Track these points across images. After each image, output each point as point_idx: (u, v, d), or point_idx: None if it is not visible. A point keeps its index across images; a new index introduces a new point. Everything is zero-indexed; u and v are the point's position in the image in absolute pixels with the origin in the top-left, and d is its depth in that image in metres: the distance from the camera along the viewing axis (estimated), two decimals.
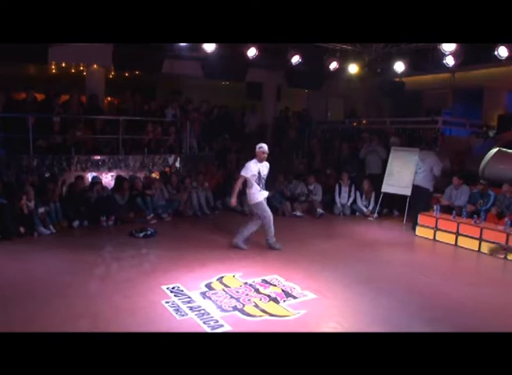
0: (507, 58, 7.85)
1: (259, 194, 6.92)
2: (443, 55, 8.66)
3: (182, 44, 8.85)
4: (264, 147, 6.89)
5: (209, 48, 8.84)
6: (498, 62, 8.36)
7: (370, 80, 11.86)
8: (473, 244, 7.41)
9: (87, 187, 8.61)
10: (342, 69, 10.71)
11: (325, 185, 10.46)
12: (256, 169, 6.88)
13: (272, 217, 6.94)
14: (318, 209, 9.63)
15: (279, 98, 14.35)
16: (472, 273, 6.47)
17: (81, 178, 8.48)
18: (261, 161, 6.92)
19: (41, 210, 7.43)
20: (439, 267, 6.60)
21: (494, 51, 7.78)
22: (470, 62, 9.33)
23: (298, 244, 7.37)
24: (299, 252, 6.88)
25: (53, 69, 11.48)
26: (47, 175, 8.69)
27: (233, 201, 7.03)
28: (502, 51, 7.72)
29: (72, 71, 11.64)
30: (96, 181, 8.77)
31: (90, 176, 9.19)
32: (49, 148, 9.11)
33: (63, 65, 11.15)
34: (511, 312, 4.89)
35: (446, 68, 9.46)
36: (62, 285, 5.14)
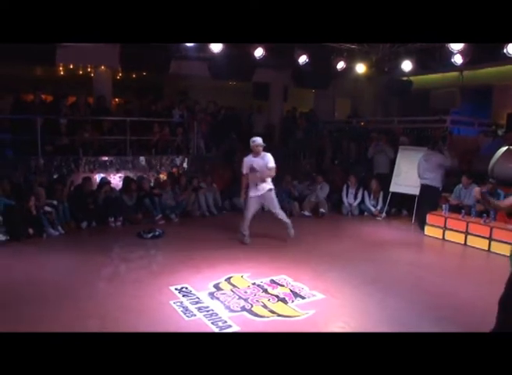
0: None
1: (252, 191, 7.09)
2: (451, 54, 8.62)
3: (189, 44, 8.87)
4: (257, 140, 7.01)
5: (216, 48, 8.85)
6: (507, 59, 8.29)
7: (377, 79, 11.81)
8: (483, 244, 7.36)
9: (96, 188, 8.65)
10: (349, 69, 10.68)
11: (333, 185, 10.43)
12: (249, 163, 7.03)
13: (247, 219, 7.14)
14: (321, 209, 9.66)
15: (286, 98, 14.32)
16: (482, 273, 6.41)
17: (88, 179, 8.50)
18: (255, 155, 7.02)
19: (47, 209, 7.45)
20: (448, 267, 6.56)
21: (503, 49, 7.72)
22: (478, 61, 9.27)
23: (306, 244, 7.36)
24: (307, 252, 6.86)
25: (60, 70, 11.56)
26: (55, 176, 8.73)
27: (242, 197, 7.37)
28: (511, 49, 7.66)
29: (80, 72, 11.71)
30: (104, 182, 8.81)
31: (98, 177, 9.23)
32: (57, 149, 9.16)
33: (71, 66, 11.22)
34: None
35: (454, 67, 9.40)
36: (71, 286, 5.16)
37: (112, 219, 8.25)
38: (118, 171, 9.64)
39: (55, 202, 7.61)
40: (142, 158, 10.01)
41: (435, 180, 8.67)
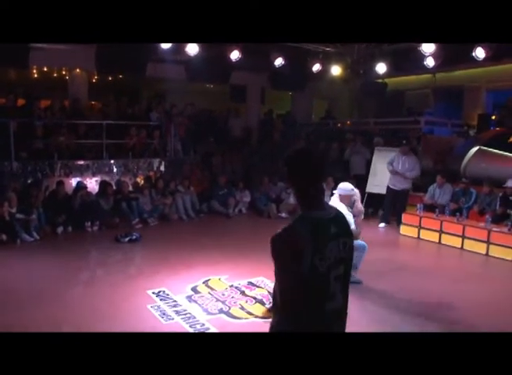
0: (484, 58, 8.00)
1: None
2: (423, 57, 8.79)
3: (165, 47, 8.82)
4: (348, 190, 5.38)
5: (192, 50, 8.82)
6: (476, 62, 8.51)
7: (353, 81, 11.95)
8: (456, 242, 7.53)
9: (72, 192, 8.52)
10: (325, 71, 10.79)
11: None
12: None
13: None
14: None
15: (264, 100, 14.37)
16: (456, 270, 6.56)
17: (62, 183, 8.33)
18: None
19: (20, 216, 7.31)
20: (424, 265, 6.68)
21: (472, 52, 7.93)
22: (449, 63, 9.48)
23: None
24: None
25: (34, 73, 11.38)
26: (29, 181, 8.58)
27: None
28: (479, 52, 7.88)
29: (55, 75, 11.55)
30: (80, 187, 8.69)
31: (74, 181, 9.09)
32: (32, 153, 9.00)
33: (45, 69, 11.05)
34: (493, 308, 4.98)
35: (426, 69, 9.59)
36: (45, 292, 5.09)
37: (89, 223, 8.14)
38: (94, 175, 9.52)
39: (26, 217, 7.44)
40: (119, 162, 9.89)
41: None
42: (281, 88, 13.45)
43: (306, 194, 1.89)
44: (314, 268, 1.75)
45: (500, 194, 7.97)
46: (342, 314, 1.97)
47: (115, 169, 9.79)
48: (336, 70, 10.80)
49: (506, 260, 6.81)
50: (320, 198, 1.89)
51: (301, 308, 1.87)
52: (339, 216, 1.95)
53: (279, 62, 9.89)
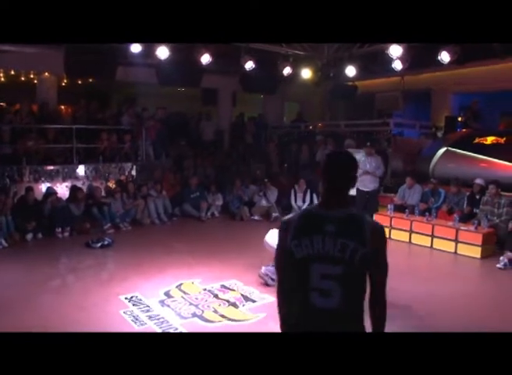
0: (449, 62, 8.21)
1: None
2: (391, 60, 8.95)
3: (135, 50, 8.74)
4: None
5: (163, 54, 8.77)
6: (441, 66, 8.72)
7: (323, 84, 12.09)
8: (425, 241, 7.70)
9: (41, 198, 8.36)
10: (296, 74, 10.87)
11: (281, 189, 10.56)
12: None
13: None
14: (274, 214, 9.73)
15: (235, 103, 14.41)
16: (426, 269, 6.71)
17: (31, 189, 8.14)
18: None
19: None
20: (395, 265, 6.76)
21: (438, 55, 8.13)
22: (416, 66, 9.68)
23: (256, 248, 7.39)
24: (258, 256, 6.90)
25: (1, 76, 11.15)
26: None
27: None
28: (444, 56, 8.08)
29: (22, 79, 11.33)
30: (50, 192, 8.53)
31: (44, 186, 8.92)
32: None
33: (12, 72, 10.83)
34: (462, 305, 5.12)
35: (395, 71, 9.77)
36: (13, 299, 4.97)
37: (59, 229, 8.00)
38: (64, 180, 9.36)
39: None
40: (89, 167, 9.76)
41: None
42: (252, 91, 13.49)
43: (321, 193, 2.15)
44: (290, 251, 2.00)
45: (467, 194, 8.21)
46: (339, 317, 1.99)
47: (85, 174, 9.66)
48: (306, 73, 10.89)
49: (474, 258, 7.01)
50: (333, 199, 2.03)
51: (289, 292, 2.18)
52: (350, 219, 2.00)
53: (249, 65, 9.90)
